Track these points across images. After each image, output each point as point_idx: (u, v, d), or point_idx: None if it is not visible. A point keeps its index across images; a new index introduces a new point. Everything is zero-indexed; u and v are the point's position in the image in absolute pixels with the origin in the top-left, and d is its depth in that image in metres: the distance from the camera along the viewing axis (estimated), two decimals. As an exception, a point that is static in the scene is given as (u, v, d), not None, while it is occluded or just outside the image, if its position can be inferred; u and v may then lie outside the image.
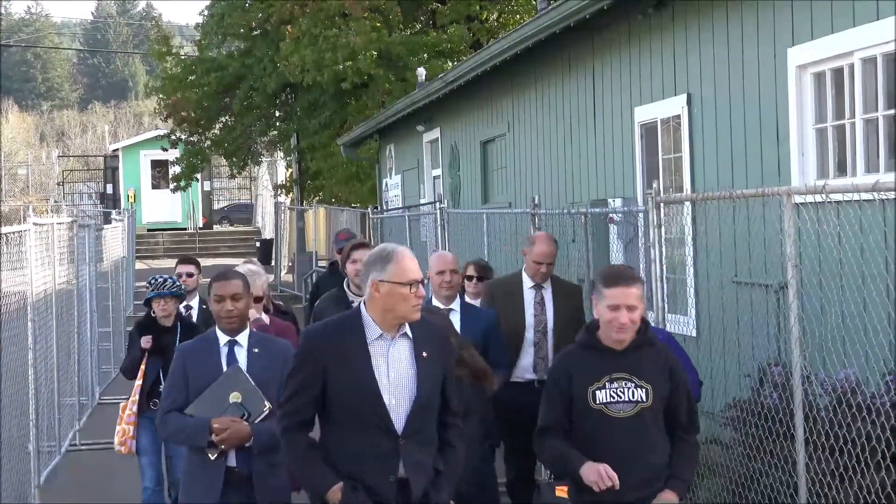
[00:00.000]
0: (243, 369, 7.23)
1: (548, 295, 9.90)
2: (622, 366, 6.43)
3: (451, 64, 24.63)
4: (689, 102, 12.46)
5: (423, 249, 18.87)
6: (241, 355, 7.27)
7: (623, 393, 6.40)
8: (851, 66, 9.74)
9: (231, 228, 59.19)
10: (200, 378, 7.18)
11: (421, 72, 25.55)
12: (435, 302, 9.10)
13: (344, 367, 6.01)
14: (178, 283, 10.36)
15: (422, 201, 23.32)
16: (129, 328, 10.82)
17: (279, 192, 44.75)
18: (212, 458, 7.09)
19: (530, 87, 17.65)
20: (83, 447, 15.06)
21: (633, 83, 13.91)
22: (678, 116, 12.72)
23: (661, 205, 9.92)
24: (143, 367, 9.96)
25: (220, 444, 7.04)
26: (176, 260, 12.48)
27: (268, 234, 48.82)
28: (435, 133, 23.98)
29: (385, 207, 27.73)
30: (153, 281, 10.21)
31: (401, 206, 25.27)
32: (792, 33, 10.41)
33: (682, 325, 11.59)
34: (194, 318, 11.02)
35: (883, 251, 8.62)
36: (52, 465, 13.70)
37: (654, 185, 9.75)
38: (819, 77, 10.27)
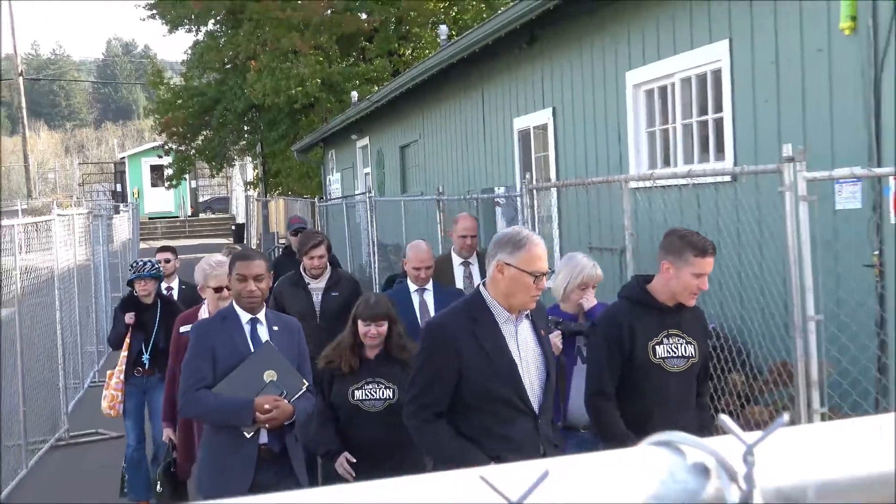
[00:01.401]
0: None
1: (475, 269, 8.83)
2: (675, 323, 5.28)
3: (376, 88, 24.52)
4: (553, 114, 12.49)
5: (358, 230, 18.80)
6: (264, 333, 5.67)
7: (678, 348, 5.28)
8: (673, 85, 9.81)
9: (212, 216, 58.91)
10: (228, 356, 5.54)
11: (354, 94, 25.53)
12: (410, 284, 7.91)
13: (481, 352, 4.66)
14: (157, 266, 9.33)
15: (356, 192, 23.25)
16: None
17: (248, 187, 44.84)
18: (247, 436, 5.53)
19: (436, 104, 17.66)
20: (100, 384, 14.95)
21: (512, 100, 13.94)
22: (546, 124, 12.75)
23: (534, 191, 9.93)
24: (127, 340, 8.96)
25: (266, 423, 5.50)
26: (167, 240, 12.28)
27: (241, 219, 48.80)
28: (365, 141, 23.99)
29: (328, 198, 27.65)
30: (135, 264, 9.35)
31: (340, 196, 25.17)
32: (629, 60, 10.46)
33: (551, 279, 11.61)
34: (175, 298, 10.06)
35: (696, 223, 8.70)
36: (77, 398, 13.79)
37: (528, 176, 9.74)
38: (649, 93, 10.33)
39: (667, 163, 10.00)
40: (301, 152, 31.27)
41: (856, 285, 7.16)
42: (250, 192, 44.23)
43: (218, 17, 33.83)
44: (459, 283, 8.68)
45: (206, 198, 63.38)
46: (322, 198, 28.09)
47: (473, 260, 8.88)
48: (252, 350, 5.59)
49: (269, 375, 5.52)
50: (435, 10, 30.78)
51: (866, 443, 0.55)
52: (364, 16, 31.33)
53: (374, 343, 6.18)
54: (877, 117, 6.97)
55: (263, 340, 5.63)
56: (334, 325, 7.52)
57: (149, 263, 9.25)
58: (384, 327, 6.19)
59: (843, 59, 7.30)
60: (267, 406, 5.40)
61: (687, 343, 5.26)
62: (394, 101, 19.06)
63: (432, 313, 7.50)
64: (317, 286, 8.48)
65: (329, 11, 30.06)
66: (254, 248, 39.55)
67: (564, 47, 12.04)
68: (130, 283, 9.21)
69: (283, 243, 26.07)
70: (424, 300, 7.88)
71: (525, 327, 4.78)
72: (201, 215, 58.68)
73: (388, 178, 22.10)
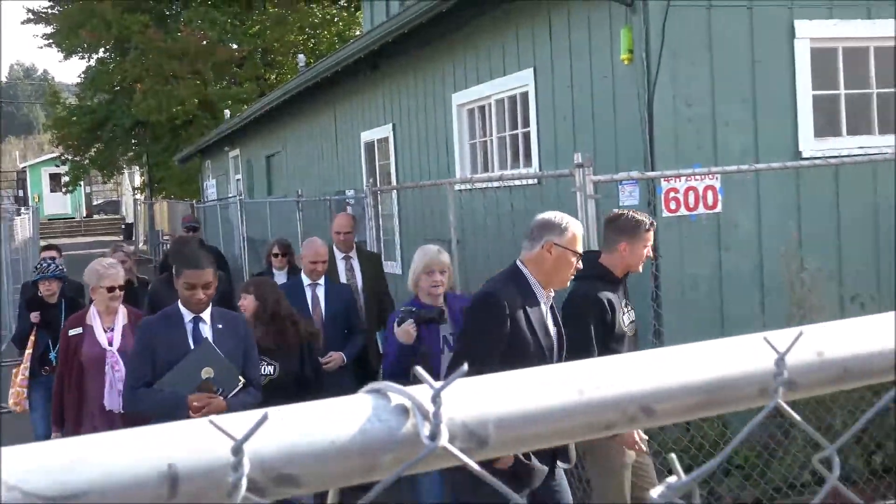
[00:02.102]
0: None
1: (355, 263, 8.09)
2: (625, 293, 4.97)
3: (246, 107, 24.14)
4: (393, 129, 12.50)
5: (230, 228, 18.48)
6: (207, 331, 4.98)
7: (631, 314, 4.96)
8: (489, 105, 9.93)
9: (105, 217, 57.22)
10: (168, 354, 4.88)
11: (227, 113, 25.18)
12: (304, 278, 7.17)
13: (529, 326, 4.20)
14: (60, 267, 8.25)
15: (229, 196, 22.85)
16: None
17: (136, 191, 43.77)
18: None
19: (296, 120, 17.48)
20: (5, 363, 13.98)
21: (360, 117, 13.90)
22: (387, 138, 12.75)
23: (377, 193, 9.95)
24: (32, 338, 7.87)
25: None
26: (66, 238, 11.79)
27: (130, 219, 47.47)
28: (236, 152, 23.59)
29: (205, 200, 27.12)
30: (39, 265, 8.30)
31: (215, 199, 24.70)
32: (454, 84, 10.55)
33: (393, 267, 11.66)
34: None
35: (510, 219, 8.85)
36: None
37: (371, 181, 9.75)
38: (471, 111, 10.43)
39: (486, 169, 10.13)
40: (182, 161, 30.64)
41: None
42: (138, 196, 43.20)
43: (107, 46, 32.86)
44: (343, 277, 7.94)
45: (100, 201, 61.45)
46: (200, 200, 27.58)
47: (353, 254, 8.18)
48: (192, 348, 4.92)
49: (206, 372, 4.89)
50: (295, 42, 30.58)
51: (538, 385, 0.60)
52: (235, 46, 30.93)
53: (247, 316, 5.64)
54: (650, 131, 7.20)
55: (207, 337, 4.97)
56: None
57: (52, 264, 8.24)
58: (248, 300, 5.74)
59: (623, 84, 7.51)
60: (197, 403, 4.77)
61: (632, 308, 5.00)
62: (261, 118, 18.81)
63: (323, 307, 7.01)
64: None
65: (205, 42, 29.57)
66: (141, 243, 38.54)
67: (402, 73, 12.07)
68: (34, 284, 8.18)
69: (167, 238, 25.48)
70: (316, 294, 7.16)
71: (549, 308, 4.38)
72: (95, 216, 57.13)
73: (256, 184, 21.80)
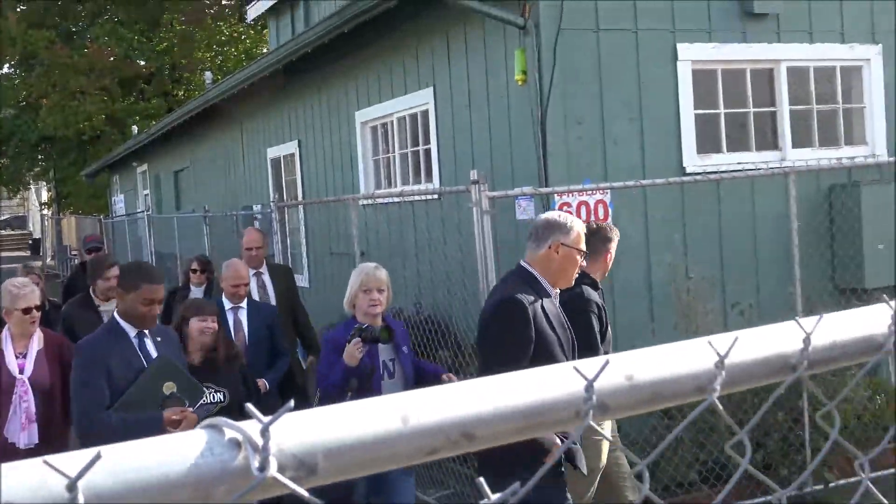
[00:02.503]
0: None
1: (266, 279, 7.70)
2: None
3: (154, 123, 23.70)
4: (299, 145, 12.45)
5: (139, 243, 18.11)
6: (150, 345, 4.58)
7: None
8: (392, 122, 9.98)
9: (12, 232, 55.38)
10: (123, 372, 4.41)
11: (135, 128, 24.69)
12: (226, 301, 6.68)
13: (549, 326, 4.07)
14: None
15: (137, 211, 22.38)
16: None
17: (43, 207, 42.48)
18: None
19: (204, 136, 17.24)
20: None
21: (267, 133, 13.80)
22: (293, 154, 12.69)
23: (283, 208, 9.89)
24: None
25: None
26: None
27: (37, 235, 46.06)
28: (145, 167, 23.13)
29: (114, 216, 26.52)
30: None
31: (124, 214, 24.17)
32: (357, 102, 10.57)
33: (300, 281, 11.59)
34: None
35: (412, 232, 8.90)
36: None
37: (276, 196, 9.70)
38: (374, 129, 10.46)
39: (389, 184, 10.17)
40: (89, 177, 29.85)
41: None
42: (45, 211, 41.93)
43: (12, 62, 31.92)
44: (255, 294, 7.38)
45: (5, 216, 59.50)
46: (108, 216, 26.96)
47: (264, 269, 7.76)
48: (145, 364, 4.51)
49: (169, 387, 4.49)
50: (203, 59, 30.16)
51: (365, 415, 0.64)
52: (142, 62, 30.38)
53: (206, 339, 5.27)
54: (543, 148, 7.32)
55: (152, 352, 4.58)
56: None
57: None
58: (215, 323, 5.33)
59: (518, 103, 7.63)
60: (175, 418, 4.41)
61: None
62: (169, 134, 18.48)
63: (246, 331, 6.61)
64: (107, 308, 7.01)
65: (112, 58, 28.98)
66: (49, 259, 37.44)
67: (307, 91, 12.02)
68: None
69: (75, 254, 24.81)
70: (239, 318, 6.70)
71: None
72: (2, 232, 55.13)
73: (164, 199, 21.41)
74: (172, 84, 30.99)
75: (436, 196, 8.57)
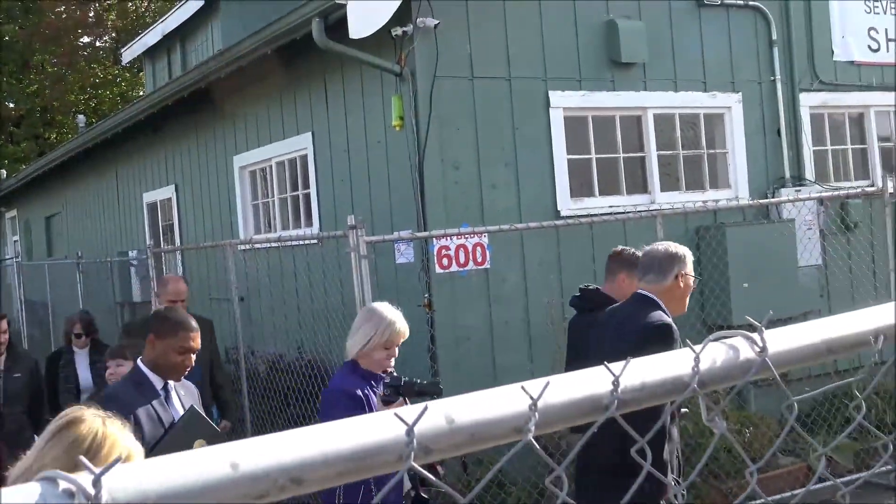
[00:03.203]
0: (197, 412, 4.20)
1: None
2: None
3: (24, 167, 22.96)
4: (176, 190, 12.28)
5: (9, 291, 17.43)
6: (176, 399, 4.25)
7: None
8: (271, 167, 9.95)
9: None
10: (152, 427, 4.05)
11: (3, 172, 23.85)
12: None
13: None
14: None
15: (6, 257, 21.59)
16: None
17: None
18: None
19: (77, 180, 16.81)
20: None
21: (142, 177, 13.56)
22: (171, 198, 12.51)
23: (160, 254, 9.71)
24: None
25: None
26: None
27: None
28: (14, 212, 22.40)
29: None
30: None
31: (-8, 261, 23.30)
32: (236, 146, 10.51)
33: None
34: None
35: (293, 277, 8.86)
36: None
37: (151, 242, 9.53)
38: (253, 173, 10.41)
39: (269, 228, 10.11)
40: (-46, 222, 28.71)
41: (413, 321, 7.56)
42: None
43: None
44: None
45: None
46: (-25, 263, 25.88)
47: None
48: (174, 418, 4.14)
49: (200, 444, 3.94)
50: (76, 102, 29.45)
51: (195, 462, 0.68)
52: (11, 105, 29.44)
53: None
54: (422, 192, 7.43)
55: (177, 405, 4.22)
56: (16, 408, 6.43)
57: None
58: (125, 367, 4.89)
59: (396, 148, 7.73)
60: None
61: None
62: (39, 178, 17.96)
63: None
64: None
65: (-23, 99, 28.01)
66: None
67: (184, 135, 11.89)
68: None
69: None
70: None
71: None
72: None
73: (35, 245, 20.72)
74: (44, 127, 30.11)
75: (315, 241, 8.58)
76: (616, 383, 0.86)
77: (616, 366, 0.87)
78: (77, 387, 7.26)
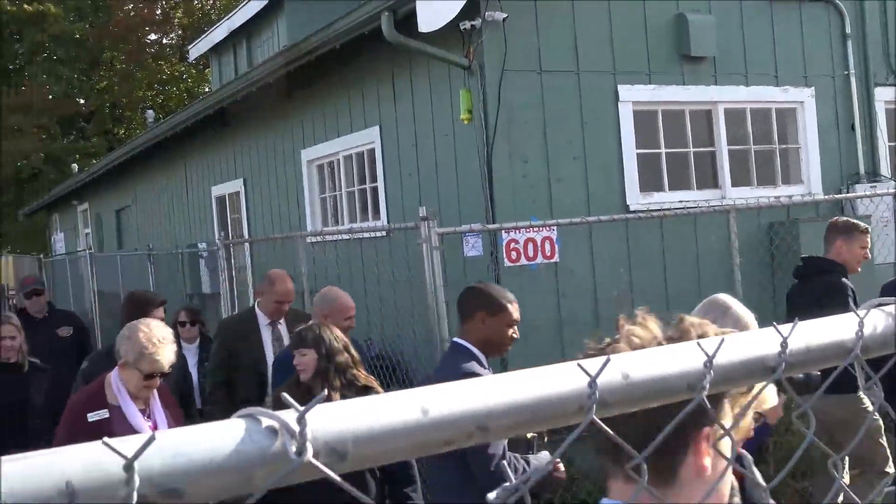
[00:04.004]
0: None
1: (283, 329, 6.31)
2: None
3: (94, 161, 23.44)
4: (245, 184, 12.41)
5: (80, 282, 17.80)
6: None
7: None
8: (338, 160, 10.01)
9: (-55, 273, 54.06)
10: None
11: (75, 167, 24.41)
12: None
13: None
14: None
15: (78, 250, 22.04)
16: None
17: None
18: None
19: (147, 174, 17.09)
20: None
21: (211, 171, 13.74)
22: (239, 192, 12.65)
23: (229, 246, 9.82)
24: None
25: None
26: None
27: (-29, 275, 44.96)
28: (85, 206, 22.81)
29: (54, 255, 26.07)
30: None
31: (64, 253, 23.77)
32: (303, 140, 10.59)
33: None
34: None
35: (361, 270, 8.91)
36: None
37: (222, 234, 9.65)
38: (320, 167, 10.49)
39: (336, 222, 10.18)
40: (28, 216, 29.38)
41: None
42: (-21, 251, 41.05)
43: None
44: (269, 347, 6.23)
45: (-61, 257, 58.06)
46: (48, 254, 26.48)
47: (281, 320, 6.38)
48: None
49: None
50: (144, 98, 29.99)
51: (389, 407, 0.68)
52: (82, 101, 30.09)
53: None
54: (490, 185, 7.42)
55: None
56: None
57: None
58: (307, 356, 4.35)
59: (463, 142, 7.73)
60: None
61: None
62: (110, 172, 18.28)
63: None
64: None
65: (50, 97, 28.69)
66: None
67: (253, 129, 12.02)
68: None
69: (13, 293, 24.28)
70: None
71: None
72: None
73: (106, 237, 21.12)
74: (113, 123, 30.76)
75: (384, 233, 8.61)
76: (784, 345, 0.84)
77: (785, 328, 0.85)
78: (189, 388, 6.76)
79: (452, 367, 3.83)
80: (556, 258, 7.50)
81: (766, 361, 0.85)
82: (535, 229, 7.20)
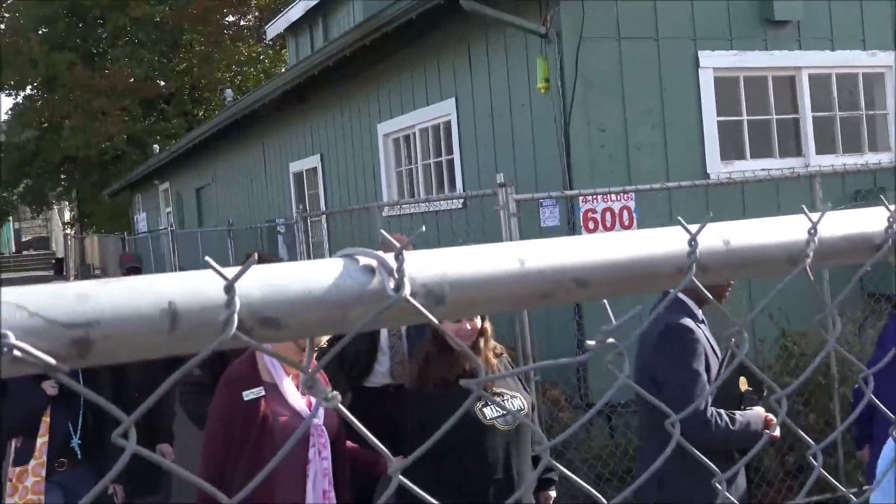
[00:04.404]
0: None
1: None
2: None
3: (175, 142, 23.89)
4: (321, 159, 12.53)
5: (162, 260, 18.18)
6: None
7: None
8: (414, 134, 10.03)
9: (35, 252, 55.83)
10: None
11: (156, 147, 24.94)
12: None
13: None
14: None
15: (160, 228, 22.53)
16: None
17: (66, 226, 42.85)
18: None
19: (225, 153, 17.37)
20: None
21: (288, 148, 13.90)
22: (316, 168, 12.77)
23: (307, 219, 9.92)
24: (47, 419, 4.80)
25: None
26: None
27: (60, 254, 46.44)
28: (166, 185, 23.30)
29: (137, 233, 26.71)
30: None
31: (146, 231, 24.33)
32: (379, 115, 10.63)
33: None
34: None
35: (436, 241, 8.92)
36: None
37: (301, 207, 9.75)
38: (396, 140, 10.52)
39: (412, 195, 10.21)
40: (111, 196, 30.16)
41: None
42: (68, 231, 42.30)
43: (34, 84, 32.28)
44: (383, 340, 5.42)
45: (29, 237, 59.97)
46: (131, 233, 27.16)
47: None
48: None
49: (743, 383, 3.78)
50: (222, 79, 30.44)
51: (486, 255, 0.67)
52: (162, 83, 30.69)
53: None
54: (567, 154, 7.35)
55: None
56: None
57: None
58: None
59: (540, 111, 7.67)
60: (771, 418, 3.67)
61: None
62: (190, 152, 18.64)
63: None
64: None
65: (132, 80, 29.30)
66: (72, 279, 37.66)
67: (328, 105, 12.11)
68: None
69: (98, 272, 24.96)
70: None
71: None
72: (24, 252, 55.64)
73: (186, 216, 21.56)
74: (192, 104, 31.34)
75: (461, 205, 8.61)
76: (892, 219, 0.81)
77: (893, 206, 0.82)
78: None
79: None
80: (634, 227, 7.41)
81: (872, 239, 0.82)
82: (614, 198, 7.11)
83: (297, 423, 3.39)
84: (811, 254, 0.78)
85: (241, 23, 32.04)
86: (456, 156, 9.10)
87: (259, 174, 15.47)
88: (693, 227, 0.74)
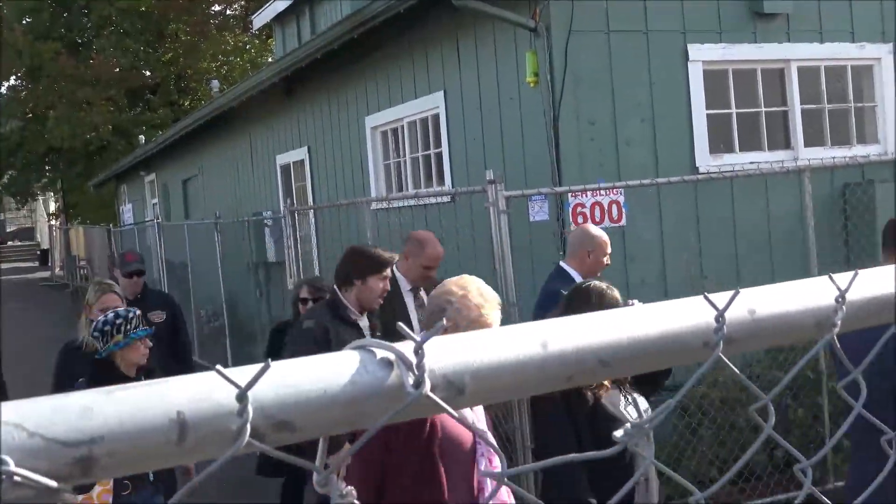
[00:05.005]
0: None
1: (425, 297, 5.30)
2: None
3: (161, 132, 23.74)
4: (309, 152, 12.46)
5: (148, 252, 18.08)
6: None
7: None
8: (402, 127, 9.98)
9: (19, 243, 55.53)
10: None
11: (142, 138, 24.79)
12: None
13: None
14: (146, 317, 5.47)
15: (146, 220, 22.41)
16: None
17: (51, 217, 42.61)
18: None
19: (212, 144, 17.26)
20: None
21: (274, 140, 13.82)
22: (303, 160, 12.71)
23: (295, 213, 9.87)
24: None
25: None
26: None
27: (45, 245, 46.19)
28: (152, 176, 23.16)
29: (122, 225, 26.55)
30: (115, 322, 4.60)
31: (132, 223, 24.19)
32: (367, 108, 10.58)
33: (311, 286, 11.57)
34: None
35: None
36: None
37: (288, 201, 9.69)
38: (384, 133, 10.47)
39: (400, 189, 10.17)
40: (97, 187, 29.97)
41: (540, 279, 7.49)
42: (53, 222, 42.03)
43: (19, 74, 32.00)
44: (413, 314, 5.69)
45: (13, 228, 59.65)
46: (117, 225, 26.99)
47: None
48: None
49: None
50: (208, 69, 30.25)
51: (507, 340, 0.64)
52: (148, 73, 30.48)
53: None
54: (556, 149, 7.32)
55: None
56: None
57: (133, 315, 4.67)
58: None
59: (529, 105, 7.63)
60: None
61: None
62: (176, 143, 18.52)
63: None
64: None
65: (117, 70, 29.08)
66: (58, 270, 37.48)
67: (316, 98, 12.04)
68: (109, 356, 4.58)
69: (83, 264, 24.81)
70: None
71: None
72: (9, 243, 55.32)
73: (173, 207, 21.43)
74: (178, 94, 31.12)
75: (449, 199, 8.57)
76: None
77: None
78: None
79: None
80: (623, 222, 7.39)
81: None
82: (603, 193, 7.09)
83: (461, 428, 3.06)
84: (839, 322, 0.75)
85: (227, 12, 31.84)
86: (444, 149, 9.06)
87: (246, 166, 15.40)
88: (720, 299, 0.71)
